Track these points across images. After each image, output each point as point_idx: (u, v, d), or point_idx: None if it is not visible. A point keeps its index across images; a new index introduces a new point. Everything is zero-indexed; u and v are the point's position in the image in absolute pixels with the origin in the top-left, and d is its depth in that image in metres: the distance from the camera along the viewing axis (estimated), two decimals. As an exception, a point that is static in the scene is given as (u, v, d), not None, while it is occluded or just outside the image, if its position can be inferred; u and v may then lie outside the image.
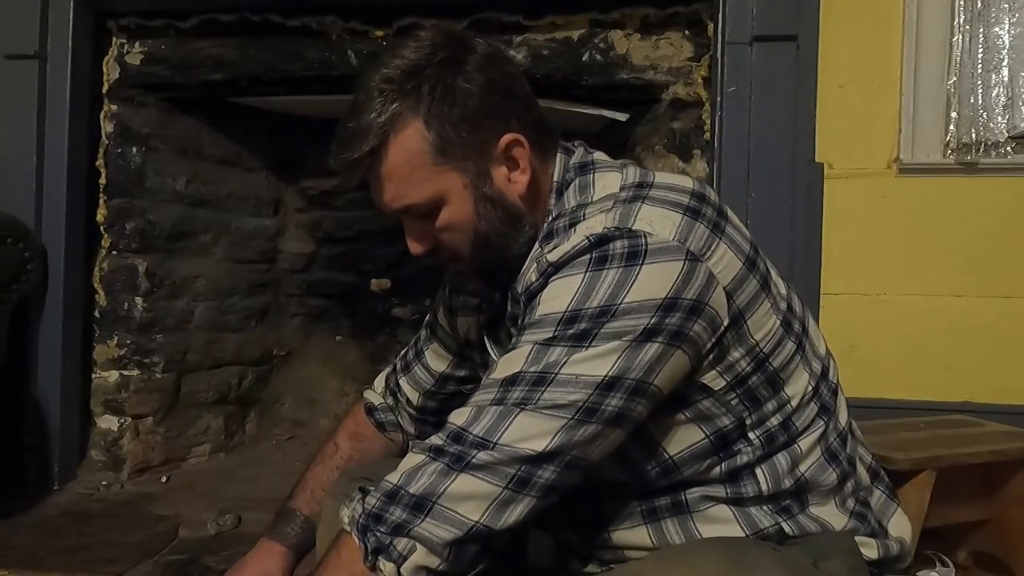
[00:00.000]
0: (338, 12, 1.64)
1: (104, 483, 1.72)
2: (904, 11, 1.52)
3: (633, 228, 0.64)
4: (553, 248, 0.67)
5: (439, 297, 0.96)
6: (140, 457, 1.79)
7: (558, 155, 0.75)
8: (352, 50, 1.67)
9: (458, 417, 0.65)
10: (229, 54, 1.71)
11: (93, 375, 1.78)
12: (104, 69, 1.76)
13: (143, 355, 1.80)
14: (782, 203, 1.48)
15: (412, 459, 0.65)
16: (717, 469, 0.70)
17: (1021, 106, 1.51)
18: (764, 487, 0.70)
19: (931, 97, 1.52)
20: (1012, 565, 1.26)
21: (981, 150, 1.51)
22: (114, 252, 1.78)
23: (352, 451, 1.00)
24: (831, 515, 0.72)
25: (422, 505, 0.62)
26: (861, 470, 0.77)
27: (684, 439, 0.70)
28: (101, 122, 1.77)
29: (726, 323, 0.66)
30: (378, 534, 0.63)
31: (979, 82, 1.52)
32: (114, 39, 1.76)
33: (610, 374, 0.62)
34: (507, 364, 0.65)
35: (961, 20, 1.51)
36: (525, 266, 0.73)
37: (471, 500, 0.62)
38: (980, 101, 1.52)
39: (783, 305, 0.72)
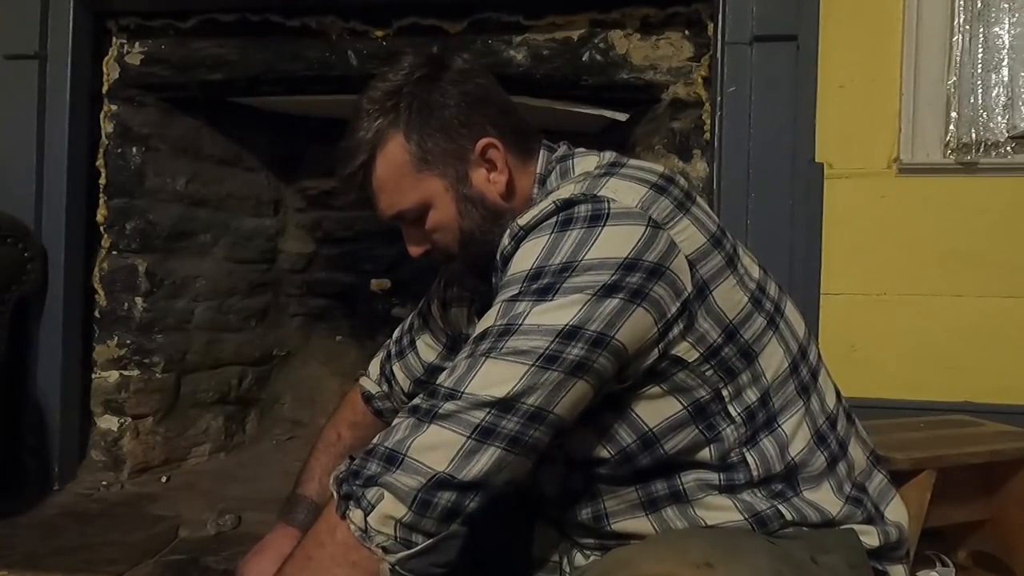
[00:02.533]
0: (338, 12, 1.64)
1: (104, 483, 1.72)
2: (904, 11, 1.52)
3: (598, 195, 0.69)
4: (523, 217, 0.71)
5: (433, 289, 1.00)
6: (140, 457, 1.79)
7: (541, 152, 0.82)
8: (352, 50, 1.67)
9: (439, 377, 0.68)
10: (229, 54, 1.71)
11: (93, 375, 1.78)
12: (104, 69, 1.76)
13: (143, 355, 1.80)
14: (782, 203, 1.48)
15: (395, 420, 0.68)
16: (706, 451, 0.72)
17: (1021, 106, 1.51)
18: (755, 473, 0.72)
19: (931, 97, 1.52)
20: (1012, 565, 1.26)
21: (981, 150, 1.51)
22: (114, 252, 1.78)
23: (353, 440, 1.01)
24: (826, 500, 0.73)
25: (393, 457, 0.64)
26: (857, 454, 0.78)
27: (662, 411, 0.71)
28: (101, 122, 1.77)
29: (689, 291, 0.68)
30: (353, 486, 0.65)
31: (979, 82, 1.52)
32: (114, 39, 1.75)
33: (571, 323, 0.64)
34: (480, 325, 0.68)
35: (961, 20, 1.51)
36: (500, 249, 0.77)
37: (437, 450, 0.63)
38: (980, 101, 1.52)
39: (752, 285, 0.75)
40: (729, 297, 0.71)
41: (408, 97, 0.77)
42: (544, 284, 0.66)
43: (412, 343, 1.02)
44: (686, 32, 1.60)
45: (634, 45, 1.61)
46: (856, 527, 0.74)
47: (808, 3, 1.49)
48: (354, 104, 0.79)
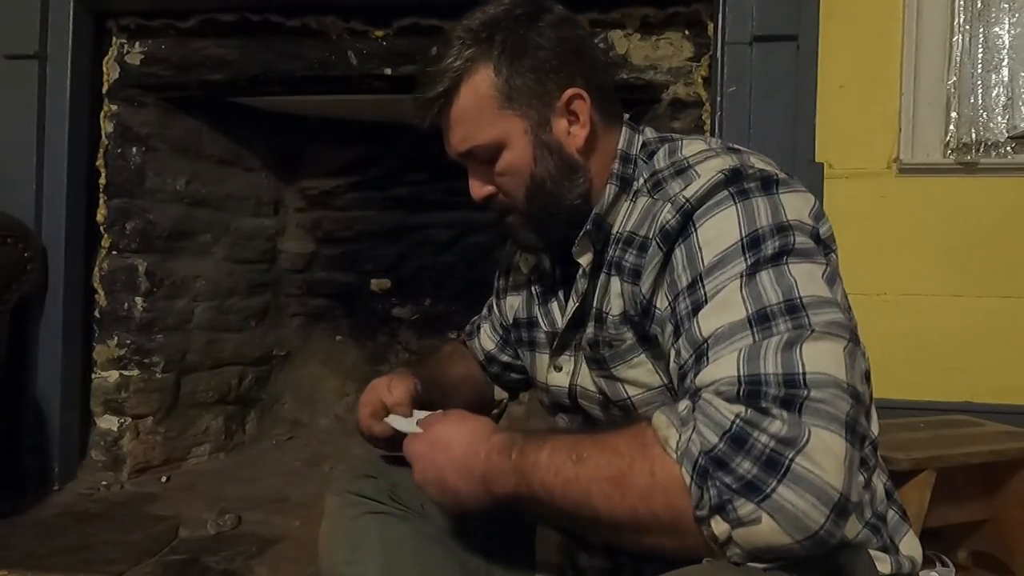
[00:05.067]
0: (338, 12, 1.64)
1: (104, 483, 1.72)
2: (904, 11, 1.52)
3: (756, 165, 0.67)
4: (684, 187, 0.67)
5: (496, 277, 0.99)
6: (140, 457, 1.79)
7: (624, 128, 0.78)
8: (352, 50, 1.67)
9: (723, 369, 0.57)
10: (229, 54, 1.71)
11: (93, 375, 1.78)
12: (104, 69, 1.76)
13: (143, 355, 1.80)
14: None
15: (729, 410, 0.55)
16: None
17: (1021, 106, 1.51)
18: None
19: (931, 97, 1.52)
20: (1012, 565, 1.26)
21: (981, 150, 1.51)
22: (114, 252, 1.78)
23: (452, 352, 1.04)
24: (849, 528, 0.67)
25: (777, 463, 0.52)
26: (880, 486, 0.76)
27: None
28: (101, 122, 1.77)
29: (832, 271, 0.67)
30: (719, 485, 0.53)
31: (979, 82, 1.52)
32: (114, 39, 1.76)
33: (830, 295, 0.61)
34: (722, 312, 0.60)
35: (961, 20, 1.51)
36: (640, 214, 0.72)
37: (828, 460, 0.51)
38: (980, 101, 1.52)
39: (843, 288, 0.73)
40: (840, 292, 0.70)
41: (505, 32, 0.74)
42: (771, 250, 0.61)
43: (478, 328, 1.03)
44: (686, 32, 1.60)
45: (634, 45, 1.61)
46: (871, 552, 0.71)
47: (808, 3, 1.49)
48: (444, 34, 0.76)
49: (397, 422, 0.80)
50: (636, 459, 0.57)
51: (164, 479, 1.79)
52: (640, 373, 0.73)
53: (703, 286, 0.62)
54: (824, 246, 0.66)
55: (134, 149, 1.80)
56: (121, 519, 1.52)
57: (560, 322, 0.82)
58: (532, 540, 0.86)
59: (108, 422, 1.77)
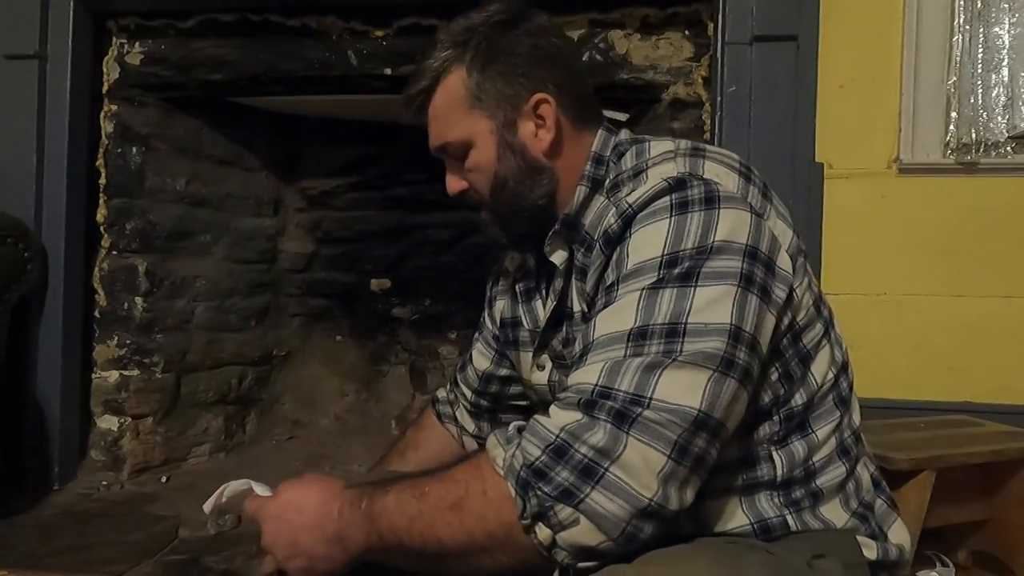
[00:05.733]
0: (338, 12, 1.64)
1: (104, 483, 1.72)
2: (904, 11, 1.52)
3: (705, 177, 0.68)
4: (630, 192, 0.69)
5: (487, 287, 0.99)
6: (140, 457, 1.79)
7: (600, 131, 0.80)
8: (352, 50, 1.67)
9: (588, 375, 0.61)
10: (229, 54, 1.71)
11: (93, 375, 1.78)
12: (104, 69, 1.76)
13: (143, 355, 1.80)
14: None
15: (564, 415, 0.60)
16: (733, 448, 0.68)
17: (1021, 106, 1.51)
18: (780, 472, 0.70)
19: (931, 97, 1.52)
20: (1012, 565, 1.26)
21: (981, 150, 1.51)
22: (114, 252, 1.78)
23: (410, 439, 1.03)
24: (834, 513, 0.72)
25: (591, 471, 0.57)
26: (865, 475, 0.78)
27: None
28: (101, 122, 1.77)
29: (786, 292, 0.67)
30: (539, 494, 0.58)
31: (979, 82, 1.52)
32: (114, 39, 1.75)
33: (733, 323, 0.62)
34: (615, 319, 0.63)
35: (961, 20, 1.51)
36: (590, 211, 0.76)
37: (641, 472, 0.57)
38: (980, 101, 1.52)
39: (816, 289, 0.74)
40: (802, 298, 0.70)
41: (480, 36, 0.78)
42: (684, 269, 0.63)
43: (470, 354, 1.00)
44: (686, 32, 1.60)
45: (634, 45, 1.61)
46: (858, 538, 0.73)
47: (808, 3, 1.49)
48: (434, 34, 0.81)
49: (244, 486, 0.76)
50: (471, 483, 0.62)
51: (164, 479, 1.79)
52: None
53: (616, 290, 0.65)
54: (764, 265, 0.65)
55: (134, 149, 1.80)
56: (121, 519, 1.52)
57: (541, 321, 0.84)
58: None
59: (108, 422, 1.77)
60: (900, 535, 0.77)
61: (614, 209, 0.69)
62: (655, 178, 0.68)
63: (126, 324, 1.78)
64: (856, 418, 0.78)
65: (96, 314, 1.78)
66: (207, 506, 0.79)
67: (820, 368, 0.73)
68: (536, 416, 0.62)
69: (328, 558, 0.66)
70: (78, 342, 1.74)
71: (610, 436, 0.58)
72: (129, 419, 1.78)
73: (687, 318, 0.61)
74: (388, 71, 1.67)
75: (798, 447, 0.71)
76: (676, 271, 0.63)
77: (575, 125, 0.79)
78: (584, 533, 0.58)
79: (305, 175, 2.24)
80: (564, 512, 0.58)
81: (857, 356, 1.52)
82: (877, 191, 1.54)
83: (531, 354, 0.87)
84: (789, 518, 0.70)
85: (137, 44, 1.75)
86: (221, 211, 2.01)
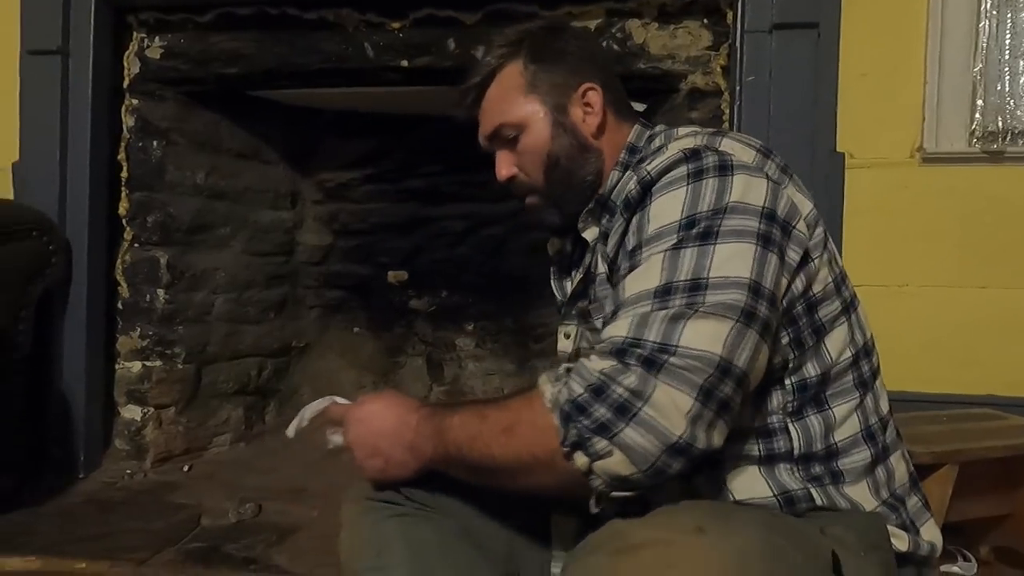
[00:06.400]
0: (354, 4, 1.64)
1: (128, 472, 1.75)
2: (929, -4, 1.49)
3: (719, 148, 0.73)
4: (651, 163, 0.74)
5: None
6: (163, 446, 1.82)
7: (636, 125, 0.88)
8: (368, 42, 1.67)
9: (619, 329, 0.65)
10: (246, 47, 1.72)
11: (116, 366, 1.81)
12: (124, 64, 1.78)
13: (165, 346, 1.83)
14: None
15: (601, 361, 0.65)
16: (747, 413, 0.70)
17: (1050, 93, 1.47)
18: (796, 445, 0.72)
19: (956, 85, 1.49)
20: (1035, 561, 1.24)
21: (1008, 138, 1.47)
22: (136, 245, 1.80)
23: None
24: (862, 497, 0.72)
25: (626, 409, 0.62)
26: (901, 469, 0.77)
27: None
28: (122, 116, 1.79)
29: (800, 257, 0.70)
30: (579, 427, 0.63)
31: (1006, 69, 1.49)
32: (134, 33, 1.77)
33: (752, 278, 0.65)
34: (642, 279, 0.68)
35: (988, 5, 1.48)
36: (619, 187, 0.83)
37: (671, 412, 0.61)
38: (1007, 88, 1.48)
39: (837, 269, 0.76)
40: (820, 270, 0.73)
41: (533, 37, 0.88)
42: (703, 229, 0.67)
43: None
44: (705, 21, 1.58)
45: (651, 34, 1.59)
46: (889, 527, 0.72)
47: (829, -11, 1.47)
48: (489, 40, 0.93)
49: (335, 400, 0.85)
50: (523, 412, 0.68)
51: (186, 468, 1.82)
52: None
53: (640, 253, 0.70)
54: (781, 227, 0.69)
55: (154, 143, 1.82)
56: (144, 507, 1.55)
57: (568, 293, 0.91)
58: (548, 527, 0.87)
59: (131, 412, 1.80)
60: (932, 533, 0.76)
61: (635, 177, 0.75)
62: (673, 150, 0.74)
63: (148, 316, 1.81)
64: (884, 405, 0.78)
65: (119, 306, 1.81)
66: (290, 430, 0.86)
67: (836, 344, 0.74)
68: (581, 359, 0.67)
69: (401, 463, 0.76)
70: (102, 333, 1.76)
71: (641, 379, 0.62)
72: (152, 409, 1.81)
73: (708, 273, 0.65)
74: (404, 63, 1.67)
75: (814, 422, 0.73)
76: (695, 231, 0.67)
77: (615, 117, 0.87)
78: (617, 464, 0.63)
79: (322, 168, 2.26)
80: (600, 444, 0.63)
81: (877, 349, 1.51)
82: (899, 181, 1.51)
83: (560, 325, 0.93)
84: (813, 491, 0.71)
85: (156, 38, 1.77)
86: (239, 204, 2.03)
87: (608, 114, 0.86)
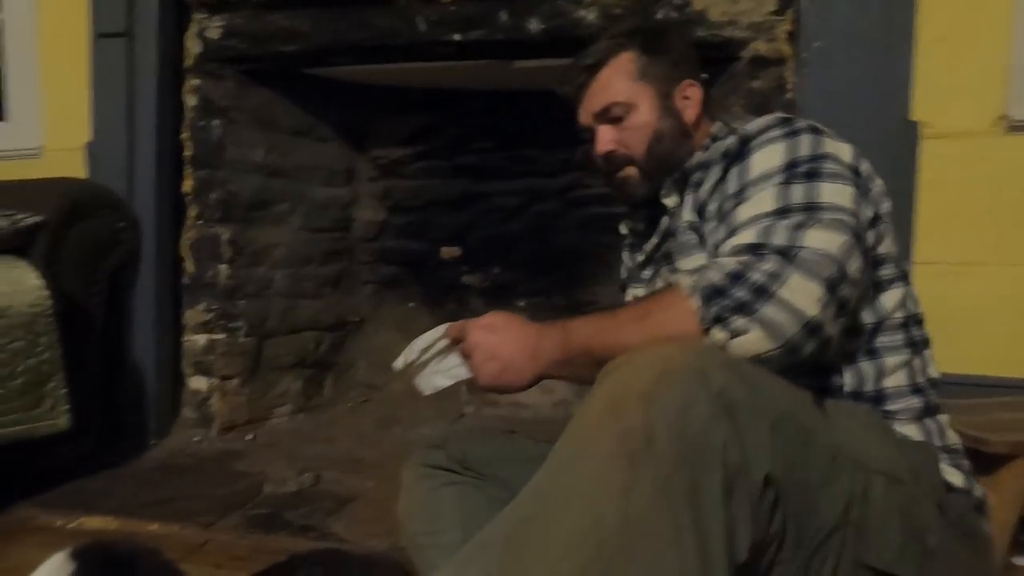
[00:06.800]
0: (407, -21, 1.63)
1: (195, 439, 1.83)
2: (1018, -50, 1.37)
3: (808, 122, 0.80)
4: (745, 126, 0.82)
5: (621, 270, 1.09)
6: (227, 416, 1.90)
7: (718, 122, 0.95)
8: (420, 16, 1.66)
9: (743, 238, 0.72)
10: (301, 25, 1.74)
11: (183, 338, 1.88)
12: (186, 44, 1.82)
13: (228, 320, 1.89)
14: (872, 166, 1.38)
15: (733, 258, 0.71)
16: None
17: None
18: (848, 382, 0.76)
19: (1046, 46, 1.38)
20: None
21: (1104, 104, 1.36)
22: (199, 222, 1.86)
23: None
24: (912, 434, 0.75)
25: (763, 291, 0.67)
26: (951, 433, 0.79)
27: None
28: (185, 96, 1.84)
29: (875, 213, 0.77)
30: (720, 306, 0.68)
31: (1105, 28, 1.36)
32: (194, 14, 1.81)
33: (853, 207, 0.72)
34: (755, 207, 0.73)
35: (1086, -42, 1.36)
36: (712, 150, 0.88)
37: (805, 296, 0.67)
38: (1105, 49, 1.36)
39: (893, 247, 0.82)
40: (884, 236, 0.80)
41: (646, 32, 0.97)
42: (806, 169, 0.73)
43: None
44: (769, -16, 1.51)
45: (712, 0, 1.52)
46: (943, 465, 0.74)
47: (906, -54, 1.37)
48: (594, 38, 0.98)
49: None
50: (658, 302, 0.73)
51: (249, 437, 1.89)
52: (695, 264, 0.85)
53: (746, 192, 0.76)
54: (863, 185, 0.76)
55: (215, 122, 1.86)
56: (210, 474, 1.62)
57: (642, 259, 0.97)
58: None
59: (198, 383, 1.88)
60: (981, 492, 0.78)
61: (733, 137, 0.82)
62: (767, 117, 0.81)
63: (212, 290, 1.87)
64: (933, 372, 0.82)
65: (185, 281, 1.87)
66: (398, 362, 0.86)
67: (890, 301, 0.79)
68: (713, 259, 0.74)
69: (518, 370, 0.78)
70: (169, 307, 1.84)
71: (777, 265, 0.68)
72: (217, 380, 1.88)
73: (820, 199, 0.72)
74: (457, 37, 1.65)
75: (866, 367, 0.77)
76: (799, 171, 0.74)
77: (705, 113, 0.96)
78: (756, 341, 0.67)
79: (375, 144, 2.27)
80: (739, 322, 0.67)
81: (952, 330, 1.42)
82: (980, 151, 1.42)
83: (627, 291, 1.00)
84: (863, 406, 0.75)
85: (216, 18, 1.80)
86: (296, 181, 2.07)
87: (701, 110, 0.95)
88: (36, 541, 1.26)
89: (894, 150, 1.40)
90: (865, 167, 0.77)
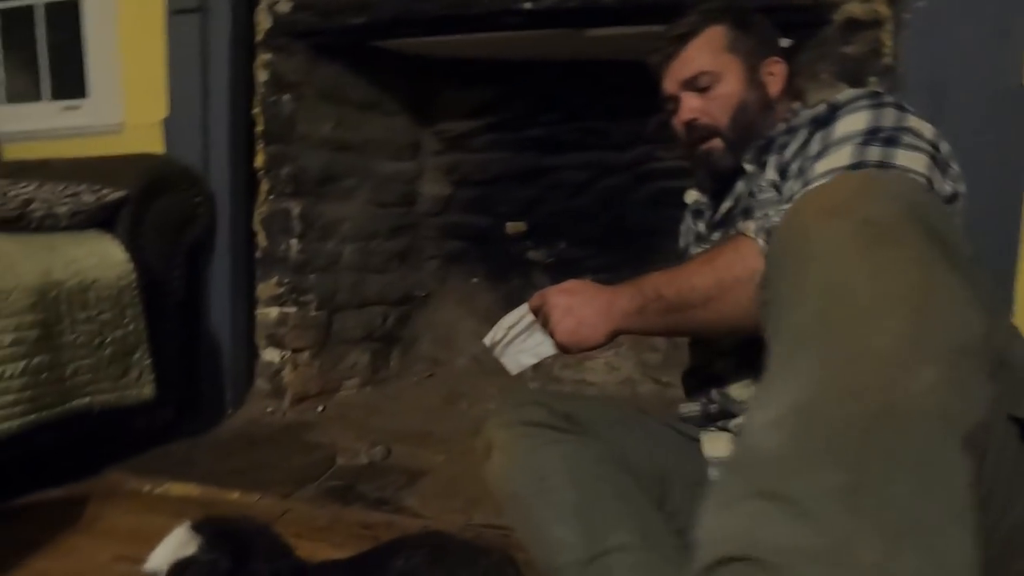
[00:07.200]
0: (477, -54, 1.58)
1: (269, 410, 1.88)
2: None
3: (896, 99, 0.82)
4: (835, 96, 0.85)
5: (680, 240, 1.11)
6: (299, 388, 1.94)
7: (800, 102, 0.98)
8: (491, -15, 1.62)
9: (829, 165, 0.76)
10: (370, -3, 1.71)
11: (257, 311, 1.92)
12: (257, 19, 1.83)
13: (299, 293, 1.92)
14: (979, 137, 1.28)
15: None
16: None
17: None
18: None
19: None
20: None
21: None
22: (271, 196, 1.89)
23: None
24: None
25: None
26: None
27: None
28: (256, 71, 1.85)
29: (954, 190, 0.79)
30: None
31: None
32: (265, -11, 1.81)
33: (927, 175, 0.74)
34: (832, 160, 0.76)
35: None
36: (799, 118, 0.90)
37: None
38: None
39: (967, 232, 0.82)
40: (960, 213, 0.81)
41: (735, 10, 0.99)
42: (887, 136, 0.76)
43: None
44: (866, -61, 1.40)
45: (802, -41, 1.43)
46: None
47: None
48: (688, 9, 1.00)
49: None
50: (725, 247, 0.78)
51: (320, 409, 1.93)
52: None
53: (827, 151, 0.78)
54: (941, 162, 0.77)
55: (286, 97, 1.87)
56: (284, 444, 1.66)
57: (706, 224, 1.00)
58: (696, 448, 0.91)
59: (271, 355, 1.92)
60: None
61: (823, 105, 0.84)
62: (855, 90, 0.83)
63: (283, 264, 1.90)
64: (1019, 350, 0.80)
65: (257, 255, 1.91)
66: (488, 339, 0.91)
67: None
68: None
69: (592, 325, 0.83)
70: (243, 281, 1.88)
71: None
72: (289, 352, 1.91)
73: (895, 162, 0.73)
74: (528, 5, 1.60)
75: None
76: (880, 136, 0.76)
77: (789, 90, 0.98)
78: None
79: (441, 118, 2.25)
80: None
81: None
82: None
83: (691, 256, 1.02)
84: None
85: (286, -8, 1.80)
86: (363, 155, 2.07)
87: (785, 86, 0.97)
88: (127, 505, 1.32)
89: (1005, 119, 1.29)
90: (945, 148, 0.79)
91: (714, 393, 0.91)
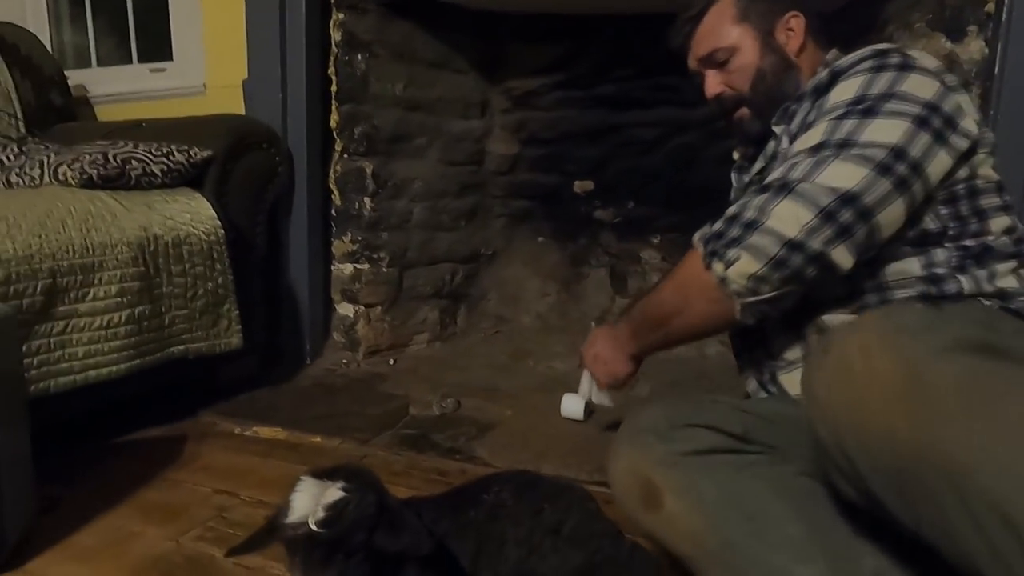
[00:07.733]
0: None
1: (344, 361, 1.96)
2: None
3: (906, 52, 0.85)
4: (842, 60, 0.88)
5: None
6: (372, 341, 2.01)
7: (834, 50, 0.98)
8: (565, -63, 1.58)
9: (775, 174, 0.82)
10: (442, -48, 1.71)
11: (332, 267, 1.99)
12: (331, -22, 1.85)
13: (372, 251, 1.98)
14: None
15: (748, 198, 0.83)
16: (915, 263, 0.83)
17: None
18: (965, 288, 0.80)
19: None
20: None
21: None
22: (345, 155, 1.93)
23: None
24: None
25: (753, 224, 0.80)
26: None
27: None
28: (331, 30, 1.88)
29: (965, 147, 0.81)
30: (715, 245, 0.82)
31: None
32: (339, -53, 1.82)
33: (898, 143, 0.78)
34: (806, 140, 0.82)
35: None
36: (810, 84, 0.93)
37: (789, 221, 0.78)
38: None
39: (997, 178, 0.86)
40: (984, 167, 0.84)
41: None
42: (867, 106, 0.80)
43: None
44: None
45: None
46: None
47: None
48: None
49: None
50: (682, 261, 0.89)
51: (392, 362, 2.01)
52: None
53: (813, 126, 0.84)
54: (944, 119, 0.79)
55: (359, 56, 1.90)
56: (360, 394, 1.74)
57: (747, 182, 1.03)
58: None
59: (345, 309, 2.00)
60: None
61: (826, 71, 0.88)
62: (863, 50, 0.86)
63: (357, 222, 1.96)
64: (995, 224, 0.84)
65: (332, 213, 1.97)
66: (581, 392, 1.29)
67: (997, 226, 0.83)
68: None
69: (615, 359, 1.06)
70: (320, 238, 1.95)
71: (768, 199, 0.79)
72: (362, 307, 1.99)
73: (859, 137, 0.78)
74: (603, -43, 1.57)
75: (978, 273, 0.81)
76: (860, 107, 0.80)
77: (815, 41, 0.99)
78: (745, 264, 0.80)
79: (510, 75, 2.24)
80: (731, 252, 0.81)
81: None
82: None
83: None
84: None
85: (359, -50, 1.80)
86: (433, 114, 2.09)
87: (808, 38, 0.98)
88: (221, 445, 1.42)
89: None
90: (951, 101, 0.80)
91: (765, 364, 0.94)
